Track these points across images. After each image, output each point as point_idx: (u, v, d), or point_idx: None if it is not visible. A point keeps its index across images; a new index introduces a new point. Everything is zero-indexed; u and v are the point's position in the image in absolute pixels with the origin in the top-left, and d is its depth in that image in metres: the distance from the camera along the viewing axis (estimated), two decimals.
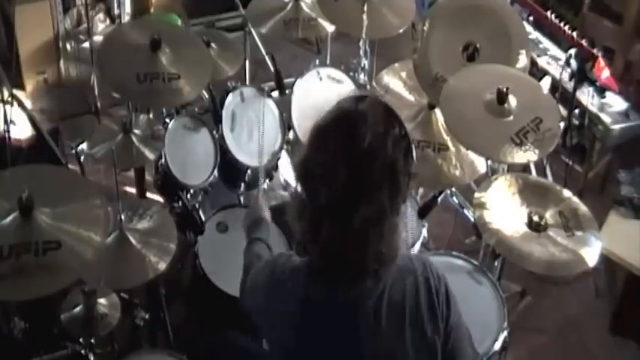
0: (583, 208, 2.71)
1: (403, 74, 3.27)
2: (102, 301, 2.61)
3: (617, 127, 3.68)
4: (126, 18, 4.20)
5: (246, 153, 3.25)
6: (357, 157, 1.56)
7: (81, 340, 2.74)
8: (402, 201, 1.63)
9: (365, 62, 3.72)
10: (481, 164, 3.01)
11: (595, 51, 3.67)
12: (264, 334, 1.80)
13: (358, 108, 1.62)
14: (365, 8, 3.36)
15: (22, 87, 4.22)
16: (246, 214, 2.33)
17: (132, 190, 3.64)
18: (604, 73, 3.67)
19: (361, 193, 1.57)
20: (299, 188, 1.66)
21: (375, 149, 1.57)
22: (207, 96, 3.36)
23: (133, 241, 2.63)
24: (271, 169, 3.37)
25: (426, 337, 1.72)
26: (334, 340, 1.69)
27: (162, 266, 2.59)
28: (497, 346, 2.63)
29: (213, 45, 3.44)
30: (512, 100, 2.70)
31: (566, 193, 2.77)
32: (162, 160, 3.15)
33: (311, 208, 1.63)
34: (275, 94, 3.43)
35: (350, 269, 1.65)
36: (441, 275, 1.77)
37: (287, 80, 3.40)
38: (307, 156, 1.64)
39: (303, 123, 3.35)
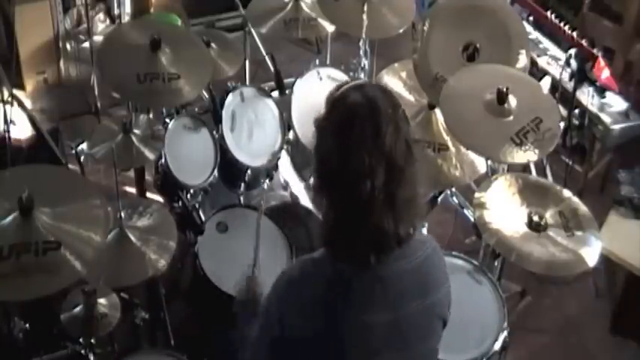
0: (583, 208, 2.72)
1: (403, 74, 3.27)
2: (102, 301, 2.61)
3: (617, 127, 3.68)
4: (126, 18, 4.20)
5: (246, 153, 3.25)
6: (386, 150, 1.63)
7: (81, 340, 2.73)
8: (417, 163, 1.72)
9: (365, 62, 3.72)
10: (481, 164, 3.01)
11: (595, 51, 3.68)
12: (287, 334, 1.78)
13: (369, 96, 1.66)
14: (365, 8, 3.36)
15: (22, 87, 4.22)
16: (237, 300, 2.20)
17: (132, 190, 3.64)
18: (604, 73, 3.67)
19: (397, 175, 1.65)
20: (331, 197, 1.69)
21: (393, 135, 1.64)
22: (207, 96, 3.36)
23: (132, 238, 2.63)
24: (271, 169, 3.37)
25: (443, 298, 1.81)
26: (367, 312, 1.71)
27: (162, 264, 2.58)
28: (497, 346, 2.63)
29: (213, 45, 3.44)
30: (512, 100, 2.70)
31: (566, 193, 2.77)
32: (162, 160, 3.14)
33: (354, 205, 1.66)
34: (275, 94, 3.43)
35: (380, 248, 1.69)
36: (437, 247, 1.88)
37: (287, 80, 3.40)
38: (333, 164, 1.67)
39: (303, 123, 3.35)
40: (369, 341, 1.73)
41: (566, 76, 3.75)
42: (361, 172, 1.62)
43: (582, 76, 3.69)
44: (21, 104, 3.19)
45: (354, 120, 1.64)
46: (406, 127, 1.68)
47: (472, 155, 2.96)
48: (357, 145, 1.63)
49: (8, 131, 3.03)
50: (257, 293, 2.10)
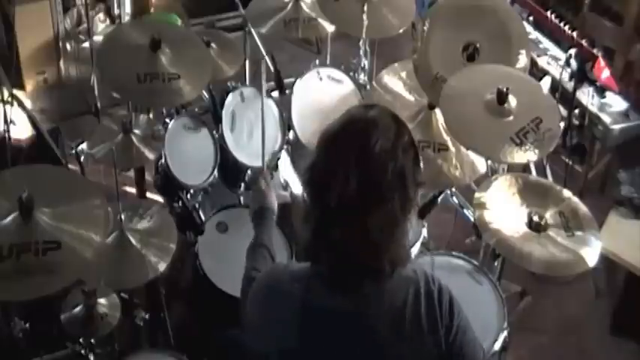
0: (583, 208, 2.71)
1: (403, 74, 3.27)
2: (102, 301, 2.62)
3: (617, 127, 3.68)
4: (126, 18, 4.20)
5: (246, 153, 3.25)
6: (369, 163, 1.58)
7: (81, 340, 2.74)
8: (411, 208, 1.65)
9: (365, 62, 3.72)
10: (481, 164, 3.01)
11: (595, 51, 3.67)
12: (261, 344, 1.78)
13: (369, 115, 1.64)
14: (365, 8, 3.36)
15: (22, 87, 4.22)
16: (252, 197, 2.31)
17: (132, 190, 3.64)
18: (604, 73, 3.67)
19: (373, 197, 1.59)
20: (307, 193, 1.67)
21: (386, 155, 1.59)
22: (207, 96, 3.36)
23: (133, 241, 2.63)
24: (271, 169, 3.37)
25: (426, 349, 1.70)
26: (335, 345, 1.68)
27: (163, 266, 2.59)
28: (498, 346, 2.63)
29: (213, 45, 3.44)
30: (512, 100, 2.70)
31: (566, 193, 2.77)
32: (162, 160, 3.15)
33: (320, 212, 1.63)
34: (275, 94, 3.42)
35: (358, 273, 1.65)
36: (444, 287, 1.75)
37: (287, 80, 3.39)
38: (317, 161, 1.66)
39: (303, 123, 3.35)
40: None
41: (566, 76, 3.74)
42: (335, 176, 1.58)
43: (582, 76, 3.69)
44: (21, 104, 3.19)
45: (347, 125, 1.63)
46: (405, 160, 1.61)
47: (472, 155, 2.96)
48: (340, 148, 1.61)
49: (8, 131, 3.02)
50: (268, 190, 2.24)
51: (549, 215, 2.65)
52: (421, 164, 1.67)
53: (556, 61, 3.91)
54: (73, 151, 3.12)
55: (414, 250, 3.01)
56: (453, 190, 3.54)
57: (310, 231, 1.66)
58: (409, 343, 1.69)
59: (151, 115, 3.25)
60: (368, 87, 3.63)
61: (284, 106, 3.38)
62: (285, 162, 3.47)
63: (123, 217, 2.64)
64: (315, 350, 1.69)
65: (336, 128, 1.65)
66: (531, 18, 4.13)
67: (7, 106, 2.97)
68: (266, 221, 2.21)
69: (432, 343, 1.69)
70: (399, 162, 1.60)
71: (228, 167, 3.26)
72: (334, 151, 1.63)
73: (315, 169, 1.66)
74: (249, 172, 3.27)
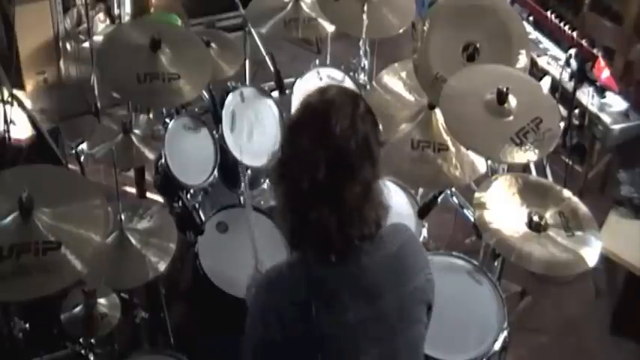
0: (583, 208, 2.71)
1: (403, 74, 3.27)
2: (102, 301, 2.62)
3: (617, 127, 3.68)
4: (126, 18, 4.20)
5: (246, 153, 3.25)
6: (333, 142, 1.64)
7: (81, 340, 2.74)
8: (379, 167, 1.72)
9: (365, 62, 3.72)
10: (481, 164, 3.01)
11: (595, 51, 3.67)
12: (265, 335, 1.78)
13: (324, 98, 1.71)
14: (365, 8, 3.36)
15: (22, 87, 4.22)
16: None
17: (132, 190, 3.64)
18: (604, 73, 3.67)
19: (344, 172, 1.65)
20: (279, 187, 1.73)
21: (347, 131, 1.65)
22: (207, 96, 3.36)
23: (133, 241, 2.63)
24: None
25: (419, 288, 1.80)
26: (345, 311, 1.71)
27: (163, 266, 2.59)
28: (497, 346, 2.63)
29: (213, 45, 3.44)
30: (512, 100, 2.70)
31: (566, 193, 2.77)
32: (163, 160, 3.14)
33: (295, 200, 1.69)
34: (275, 94, 3.42)
35: (347, 244, 1.69)
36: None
37: (287, 80, 3.40)
38: (284, 153, 1.73)
39: None
40: (352, 340, 1.72)
41: (566, 76, 3.74)
42: (302, 163, 1.64)
43: (582, 76, 3.69)
44: (21, 104, 3.20)
45: (305, 122, 1.68)
46: (366, 127, 1.68)
47: (472, 155, 2.96)
48: (303, 135, 1.66)
49: (8, 131, 3.03)
50: None
51: (549, 215, 2.65)
52: (380, 126, 1.74)
53: (556, 61, 3.91)
54: (73, 151, 3.12)
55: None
56: (453, 190, 3.54)
57: (289, 221, 1.71)
58: (411, 282, 1.78)
59: (151, 115, 3.25)
60: (368, 87, 3.63)
61: (284, 106, 3.38)
62: None
63: (123, 217, 2.64)
64: (323, 324, 1.70)
65: (296, 118, 1.72)
66: (531, 18, 4.13)
67: (7, 106, 2.97)
68: None
69: (425, 278, 1.81)
70: (360, 132, 1.66)
71: (228, 167, 3.26)
72: (298, 139, 1.68)
73: (283, 162, 1.72)
74: (249, 172, 3.27)
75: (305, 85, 3.46)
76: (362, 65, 3.72)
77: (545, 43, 4.06)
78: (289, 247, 1.78)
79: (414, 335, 1.82)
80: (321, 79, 3.50)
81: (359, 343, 1.73)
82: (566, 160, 3.79)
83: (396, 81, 3.27)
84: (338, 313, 1.71)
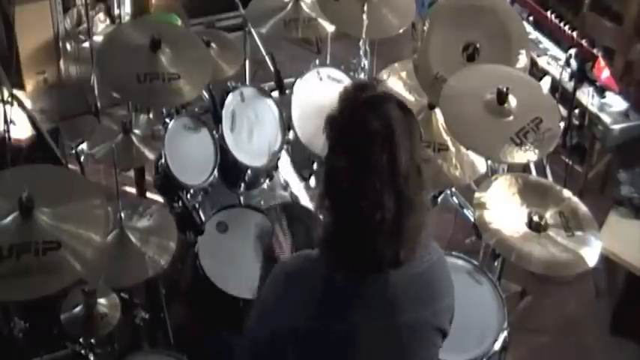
0: (583, 208, 2.72)
1: (403, 74, 3.27)
2: (102, 301, 2.61)
3: (617, 127, 3.68)
4: (126, 18, 4.20)
5: (246, 153, 3.25)
6: (399, 183, 1.60)
7: (81, 340, 2.73)
8: (427, 186, 1.70)
9: (365, 62, 3.71)
10: (481, 164, 3.01)
11: (595, 51, 3.67)
12: (269, 325, 1.77)
13: (385, 123, 1.61)
14: (365, 8, 3.36)
15: (22, 87, 4.22)
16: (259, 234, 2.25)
17: (132, 190, 3.63)
18: (604, 73, 3.67)
19: (407, 208, 1.63)
20: (336, 214, 1.67)
21: (409, 162, 1.61)
22: (207, 96, 3.36)
23: (132, 239, 2.63)
24: (271, 169, 3.37)
25: (440, 313, 1.78)
26: (360, 318, 1.70)
27: (162, 264, 2.58)
28: (497, 346, 2.63)
29: (213, 45, 3.44)
30: (512, 100, 2.70)
31: (566, 193, 2.77)
32: (162, 160, 3.14)
33: (355, 229, 1.64)
34: (275, 94, 3.42)
35: (395, 262, 1.68)
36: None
37: (287, 80, 3.40)
38: (343, 180, 1.63)
39: (303, 123, 3.35)
40: (360, 346, 1.71)
41: (566, 76, 3.74)
42: (373, 203, 1.59)
43: (582, 76, 3.69)
44: (21, 104, 3.19)
45: (372, 149, 1.60)
46: (419, 151, 1.65)
47: (472, 155, 2.96)
48: (372, 175, 1.59)
49: (8, 131, 3.02)
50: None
51: (549, 215, 2.66)
52: (421, 132, 1.69)
53: (556, 61, 3.91)
54: (73, 151, 3.11)
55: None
56: (453, 190, 3.54)
57: (332, 236, 1.67)
58: (432, 306, 1.76)
59: (151, 115, 3.24)
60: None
61: (284, 106, 3.38)
62: (285, 162, 3.47)
63: (123, 215, 2.64)
64: (329, 327, 1.69)
65: (358, 143, 1.62)
66: (531, 18, 4.12)
67: (7, 106, 2.97)
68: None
69: (446, 304, 1.79)
70: (416, 160, 1.63)
71: (228, 167, 3.26)
72: (363, 174, 1.60)
73: (345, 183, 1.63)
74: (249, 172, 3.27)
75: (305, 85, 3.46)
76: (362, 65, 3.72)
77: (545, 43, 4.05)
78: (320, 246, 1.73)
79: (425, 357, 1.80)
80: (321, 79, 3.50)
81: (366, 354, 1.72)
82: (566, 160, 3.78)
83: (396, 81, 3.28)
84: (351, 319, 1.69)
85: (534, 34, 4.06)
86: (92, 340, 2.71)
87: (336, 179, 1.64)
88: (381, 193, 1.59)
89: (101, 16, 4.50)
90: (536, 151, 2.65)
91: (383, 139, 1.60)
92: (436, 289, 1.78)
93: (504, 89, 2.67)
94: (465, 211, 3.53)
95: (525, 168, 3.31)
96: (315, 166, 3.34)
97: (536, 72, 3.85)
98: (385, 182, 1.59)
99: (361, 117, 1.63)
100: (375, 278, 1.69)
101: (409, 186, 1.61)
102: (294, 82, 3.45)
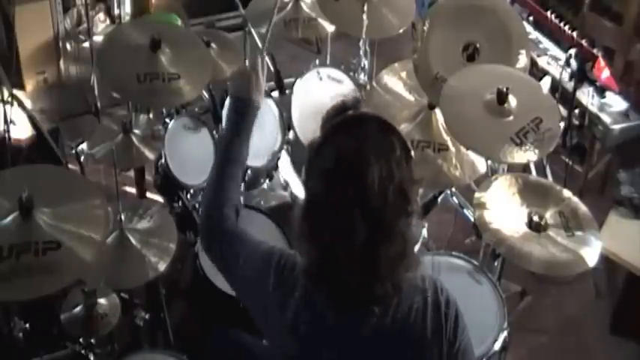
0: (583, 208, 2.72)
1: (403, 74, 3.27)
2: (102, 301, 2.62)
3: (617, 127, 3.68)
4: (126, 18, 4.20)
5: None
6: (372, 206, 1.51)
7: (81, 340, 2.74)
8: (414, 213, 1.59)
9: (365, 62, 3.72)
10: (481, 164, 3.01)
11: (595, 51, 3.67)
12: (260, 323, 1.78)
13: (357, 144, 1.54)
14: (365, 8, 3.36)
15: (22, 87, 4.22)
16: (236, 78, 2.07)
17: (132, 190, 3.64)
18: (604, 73, 3.67)
19: (382, 234, 1.54)
20: (307, 244, 1.62)
21: (385, 181, 1.52)
22: (207, 96, 3.36)
23: (133, 241, 2.63)
24: (271, 169, 3.36)
25: (427, 357, 1.68)
26: (333, 344, 1.67)
27: (163, 266, 2.59)
28: (497, 346, 2.63)
29: (213, 45, 3.44)
30: (512, 100, 2.70)
31: (566, 193, 2.77)
32: (163, 160, 3.15)
33: (325, 259, 1.59)
34: (275, 94, 3.42)
35: (349, 301, 1.62)
36: (452, 299, 1.71)
37: (287, 80, 3.40)
38: (312, 205, 1.60)
39: (303, 123, 3.35)
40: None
41: (566, 76, 3.74)
42: (339, 231, 1.53)
43: (582, 76, 3.69)
44: (21, 104, 3.19)
45: (340, 176, 1.54)
46: (402, 173, 1.54)
47: (472, 155, 2.96)
48: (341, 200, 1.52)
49: (8, 131, 3.02)
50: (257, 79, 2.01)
51: (549, 215, 2.66)
52: (412, 161, 1.59)
53: (556, 61, 3.91)
54: (73, 151, 3.12)
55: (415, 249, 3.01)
56: (453, 190, 3.54)
57: (316, 257, 1.61)
58: (412, 354, 1.67)
59: (151, 115, 3.25)
60: (368, 87, 3.63)
61: (284, 106, 3.38)
62: (285, 162, 3.47)
63: (123, 216, 2.64)
64: (315, 344, 1.68)
65: (325, 165, 1.57)
66: (531, 18, 4.12)
67: (7, 106, 2.97)
68: (246, 124, 2.02)
69: (436, 356, 1.67)
70: (397, 181, 1.53)
71: None
72: (331, 195, 1.55)
73: (314, 216, 1.59)
74: (248, 172, 3.27)
75: (305, 85, 3.45)
76: (362, 65, 3.72)
77: (545, 43, 4.05)
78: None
79: None
80: (321, 79, 3.50)
81: None
82: (566, 160, 3.78)
83: (396, 81, 3.27)
84: (324, 344, 1.67)
85: (534, 34, 4.06)
86: (92, 340, 2.71)
87: (313, 195, 1.61)
88: (350, 219, 1.51)
89: (101, 16, 4.50)
90: (536, 151, 2.65)
91: (351, 163, 1.53)
92: (416, 339, 1.65)
93: (504, 89, 2.67)
94: (465, 211, 3.53)
95: (525, 168, 3.31)
96: None
97: (536, 72, 3.84)
98: (356, 207, 1.51)
99: (333, 140, 1.58)
100: (356, 315, 1.63)
101: (386, 212, 1.52)
102: (294, 82, 3.45)
